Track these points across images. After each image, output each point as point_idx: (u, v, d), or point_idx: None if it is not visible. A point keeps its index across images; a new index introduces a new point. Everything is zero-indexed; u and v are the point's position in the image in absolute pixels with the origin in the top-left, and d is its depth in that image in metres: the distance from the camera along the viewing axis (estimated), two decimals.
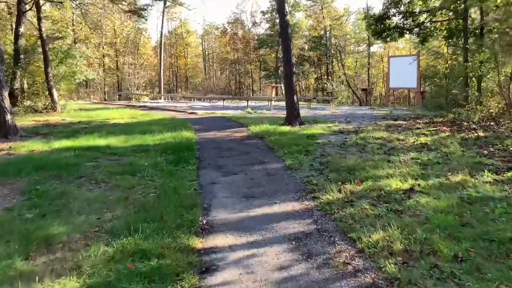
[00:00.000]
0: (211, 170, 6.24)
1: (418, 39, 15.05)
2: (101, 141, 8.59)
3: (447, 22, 14.00)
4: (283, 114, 15.09)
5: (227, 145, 8.28)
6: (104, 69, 29.94)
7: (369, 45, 36.42)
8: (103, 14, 30.07)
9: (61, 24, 24.52)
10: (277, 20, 36.27)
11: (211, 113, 15.30)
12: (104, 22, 32.41)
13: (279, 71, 35.70)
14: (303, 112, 14.31)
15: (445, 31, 14.09)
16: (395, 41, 15.77)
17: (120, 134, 9.62)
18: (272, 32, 34.86)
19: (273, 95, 26.47)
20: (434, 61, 32.48)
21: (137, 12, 13.99)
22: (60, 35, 19.95)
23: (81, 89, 28.68)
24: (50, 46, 18.12)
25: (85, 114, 14.25)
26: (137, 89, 28.44)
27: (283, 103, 22.51)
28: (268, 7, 35.02)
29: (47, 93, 14.90)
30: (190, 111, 15.79)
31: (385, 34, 14.69)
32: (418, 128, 10.20)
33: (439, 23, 14.34)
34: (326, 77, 36.22)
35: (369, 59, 36.40)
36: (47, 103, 14.61)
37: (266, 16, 35.59)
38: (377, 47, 39.83)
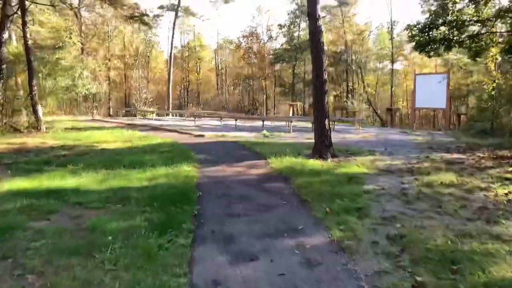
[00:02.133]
0: (214, 248, 3.89)
1: (469, 53, 12.65)
2: (70, 181, 6.34)
3: (508, 34, 11.62)
4: (305, 138, 12.76)
5: (240, 191, 5.94)
6: (110, 82, 28.05)
7: (392, 62, 34.11)
8: (111, 24, 28.46)
9: (64, 33, 22.86)
10: (295, 34, 34.45)
11: (221, 136, 13.05)
12: (113, 33, 30.80)
13: (295, 88, 33.53)
14: None
15: (505, 44, 11.71)
16: (438, 55, 13.44)
17: (101, 168, 7.37)
18: (289, 47, 32.86)
19: (290, 114, 24.20)
20: (464, 80, 30.11)
21: (140, 18, 12.09)
22: (60, 44, 18.18)
23: (85, 103, 26.81)
24: (45, 55, 16.32)
25: (73, 136, 12.11)
26: (144, 104, 26.51)
27: (302, 124, 20.29)
28: (286, 20, 33.13)
29: (31, 109, 12.86)
30: (196, 133, 13.56)
31: (430, 47, 12.34)
32: (491, 167, 7.76)
33: (497, 35, 11.97)
34: (346, 95, 33.92)
35: (392, 76, 34.01)
36: (31, 121, 12.57)
37: (283, 29, 33.64)
38: (399, 64, 37.58)
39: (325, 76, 8.80)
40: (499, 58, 15.83)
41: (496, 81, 15.71)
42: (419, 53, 13.18)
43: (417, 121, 28.63)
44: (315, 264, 3.53)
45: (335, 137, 12.13)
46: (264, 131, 14.11)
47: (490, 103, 16.39)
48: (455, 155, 9.44)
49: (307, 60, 34.58)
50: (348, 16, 33.45)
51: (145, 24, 12.95)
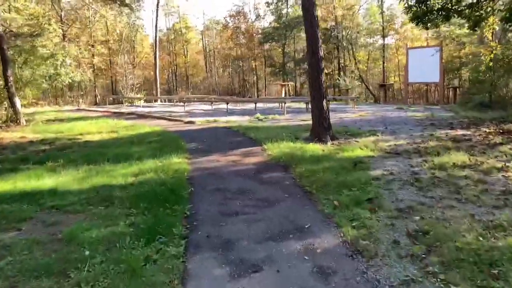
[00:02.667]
0: (210, 258, 3.34)
1: (468, 23, 12.00)
2: (47, 181, 5.72)
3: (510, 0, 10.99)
4: (301, 120, 12.20)
5: (237, 185, 5.37)
6: (94, 69, 26.96)
7: (384, 36, 33.34)
8: (91, 9, 27.19)
9: (42, 19, 21.72)
10: (283, 11, 33.37)
11: (213, 122, 12.42)
12: (95, 18, 29.50)
13: (286, 67, 32.70)
14: None
15: (505, 12, 11.08)
16: (436, 27, 12.80)
17: (83, 164, 6.76)
18: (278, 25, 31.83)
19: (282, 95, 23.55)
20: (457, 52, 29.54)
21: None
22: (37, 32, 17.15)
23: (70, 92, 25.81)
24: (22, 43, 15.38)
25: (55, 128, 11.38)
26: (131, 91, 25.59)
27: (296, 105, 19.63)
28: None
29: (8, 102, 12.03)
30: (187, 119, 12.91)
31: (427, 18, 11.68)
32: (500, 144, 7.29)
33: (499, 2, 11.33)
34: (338, 72, 33.19)
35: (384, 51, 33.29)
36: (9, 115, 11.79)
37: (271, 7, 32.55)
38: (390, 39, 36.82)
39: (321, 53, 8.17)
40: (497, 28, 15.24)
41: (494, 51, 15.13)
42: (416, 25, 12.50)
43: (410, 96, 28.23)
44: (330, 273, 3.00)
45: (331, 117, 11.61)
46: (258, 114, 13.50)
47: (488, 75, 15.87)
48: (460, 131, 8.96)
49: (297, 38, 33.66)
50: None
51: (125, 5, 12.13)
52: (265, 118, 13.03)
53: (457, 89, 20.29)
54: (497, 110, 14.11)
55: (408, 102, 24.99)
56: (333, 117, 11.34)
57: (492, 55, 15.08)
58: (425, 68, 22.58)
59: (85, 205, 4.73)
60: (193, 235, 3.80)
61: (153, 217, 4.15)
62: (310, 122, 10.65)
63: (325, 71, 37.39)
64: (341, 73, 32.88)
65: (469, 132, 8.78)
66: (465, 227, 3.59)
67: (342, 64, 34.12)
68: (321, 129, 8.21)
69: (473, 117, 11.95)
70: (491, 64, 15.63)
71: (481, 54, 16.76)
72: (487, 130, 8.95)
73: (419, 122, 11.01)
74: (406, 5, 11.57)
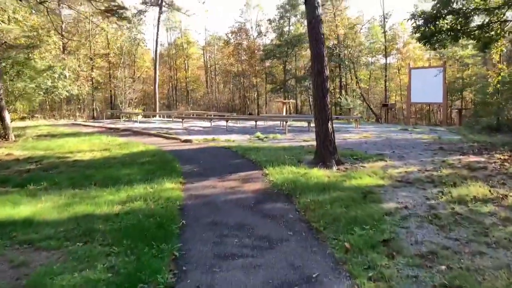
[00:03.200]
0: None
1: (477, 44, 11.65)
2: (24, 209, 5.16)
3: None
4: (303, 140, 11.70)
5: (234, 218, 4.81)
6: (93, 83, 26.58)
7: (386, 56, 33.18)
8: (92, 22, 26.98)
9: (41, 31, 21.46)
10: (285, 29, 33.30)
11: (211, 140, 11.91)
12: (95, 31, 29.30)
13: (287, 84, 32.38)
14: None
15: None
16: (444, 47, 12.42)
17: (68, 187, 6.22)
18: (280, 42, 31.65)
19: (284, 113, 23.12)
20: (460, 73, 29.30)
21: (117, 12, 10.90)
22: (34, 44, 16.80)
23: (67, 106, 25.36)
24: (17, 55, 14.97)
25: (44, 145, 10.84)
26: (129, 106, 25.16)
27: (297, 123, 19.16)
28: (275, 15, 31.92)
29: None
30: (184, 137, 12.39)
31: (435, 38, 11.31)
32: None
33: (508, 25, 10.98)
34: (339, 91, 32.90)
35: (386, 71, 33.07)
36: None
37: (273, 24, 32.45)
38: (392, 58, 36.66)
39: (327, 73, 7.71)
40: (505, 50, 14.93)
41: (502, 73, 14.75)
42: (423, 45, 12.14)
43: (413, 116, 27.85)
44: None
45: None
46: (258, 133, 13.00)
47: (495, 97, 15.45)
48: (473, 158, 8.43)
49: (298, 55, 33.50)
50: (339, 10, 32.39)
51: (124, 18, 11.83)
52: (266, 137, 12.53)
53: (462, 111, 19.84)
54: (505, 134, 13.65)
55: (411, 122, 24.61)
56: (337, 138, 10.82)
57: (500, 77, 14.71)
58: (428, 88, 22.29)
59: (62, 240, 4.17)
60: (180, 284, 3.22)
61: (136, 259, 3.58)
62: (313, 143, 10.17)
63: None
64: (343, 91, 32.61)
65: (482, 159, 8.26)
66: (503, 283, 3.03)
67: (344, 83, 33.89)
68: (326, 153, 7.69)
69: (483, 142, 11.44)
70: (498, 86, 15.25)
71: (488, 75, 16.41)
72: (502, 157, 8.42)
73: (427, 146, 10.50)
74: (414, 25, 11.21)
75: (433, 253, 3.64)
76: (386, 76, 33.02)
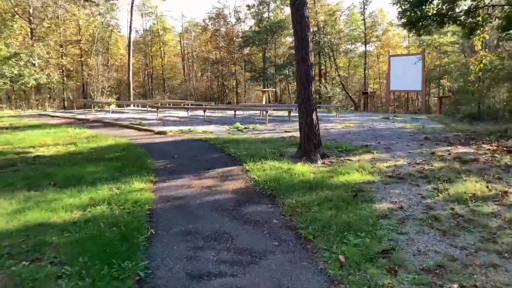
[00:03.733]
0: None
1: (463, 30, 11.29)
2: None
3: (508, 7, 10.29)
4: (284, 131, 11.17)
5: (212, 225, 4.21)
6: (63, 71, 25.17)
7: (365, 43, 32.89)
8: (61, 7, 25.50)
9: (5, 15, 20.16)
10: (265, 15, 32.42)
11: (188, 132, 11.24)
12: (65, 17, 27.74)
13: (267, 73, 31.66)
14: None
15: (502, 20, 10.40)
16: (428, 34, 12.05)
17: (23, 188, 5.48)
18: (259, 29, 30.83)
19: (264, 102, 22.51)
20: (439, 61, 29.30)
21: None
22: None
23: (35, 95, 23.94)
24: None
25: (3, 139, 9.92)
26: (102, 95, 23.99)
27: (278, 113, 18.57)
28: (255, 0, 31.02)
29: None
30: (158, 128, 11.66)
31: (421, 24, 10.89)
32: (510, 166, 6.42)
33: (498, 10, 10.63)
34: (319, 79, 32.47)
35: (365, 58, 32.82)
36: None
37: (252, 10, 31.55)
38: (372, 46, 36.43)
39: (312, 59, 7.15)
40: (487, 37, 14.71)
41: (484, 61, 14.54)
42: (408, 31, 11.75)
43: (391, 104, 27.72)
44: None
45: None
46: (238, 124, 12.39)
47: (477, 85, 15.28)
48: (461, 149, 8.09)
49: (278, 43, 32.75)
50: None
51: (92, 1, 10.89)
52: (246, 128, 11.95)
53: (442, 99, 19.70)
54: (487, 122, 13.50)
55: (390, 110, 24.44)
56: (320, 128, 10.40)
57: (482, 65, 14.50)
58: (407, 76, 22.10)
59: (6, 257, 3.49)
60: None
61: (91, 284, 2.96)
62: (295, 134, 9.67)
63: None
64: (322, 80, 32.20)
65: (471, 150, 7.92)
66: None
67: (323, 71, 33.46)
68: (310, 146, 7.17)
69: (466, 130, 11.19)
70: (480, 74, 15.08)
71: (470, 63, 16.22)
72: (491, 148, 8.11)
73: (412, 136, 10.15)
74: (400, 9, 10.76)
75: (441, 266, 3.17)
76: (365, 63, 32.77)
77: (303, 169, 6.24)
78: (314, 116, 7.22)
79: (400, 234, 3.84)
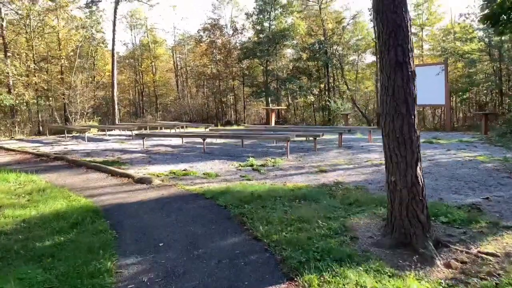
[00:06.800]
0: None
1: None
2: None
3: None
4: (316, 168, 7.59)
5: None
6: (37, 89, 21.66)
7: (376, 52, 29.81)
8: (35, 18, 22.18)
9: None
10: (266, 24, 29.20)
11: (182, 175, 7.83)
12: (41, 29, 24.38)
13: (270, 87, 28.32)
14: (333, 159, 7.16)
15: None
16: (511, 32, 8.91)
17: None
18: (260, 39, 27.61)
19: (273, 123, 19.16)
20: (461, 71, 26.20)
21: None
22: None
23: (3, 120, 20.41)
24: None
25: None
26: (81, 117, 20.59)
27: (297, 144, 14.61)
28: (254, 7, 27.94)
29: None
30: (140, 172, 8.23)
31: (508, 17, 7.70)
32: None
33: None
34: (327, 93, 29.26)
35: (377, 69, 29.62)
36: None
37: (251, 19, 28.43)
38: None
39: (413, 65, 3.84)
40: None
41: None
42: (488, 27, 8.62)
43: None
44: None
45: (350, 161, 7.32)
46: (251, 159, 9.02)
47: None
48: None
49: (279, 54, 29.34)
50: (325, 3, 28.82)
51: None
52: (263, 165, 8.57)
53: (488, 115, 16.48)
54: None
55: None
56: (359, 159, 7.02)
57: None
58: (427, 88, 19.01)
59: None
60: None
61: None
62: (334, 174, 6.36)
63: (314, 91, 32.08)
64: (330, 94, 28.98)
65: None
66: None
67: (332, 84, 30.21)
68: (414, 226, 3.78)
69: None
70: None
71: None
72: None
73: (508, 177, 6.85)
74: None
75: None
76: (377, 75, 29.57)
77: None
78: (418, 170, 3.85)
79: None
